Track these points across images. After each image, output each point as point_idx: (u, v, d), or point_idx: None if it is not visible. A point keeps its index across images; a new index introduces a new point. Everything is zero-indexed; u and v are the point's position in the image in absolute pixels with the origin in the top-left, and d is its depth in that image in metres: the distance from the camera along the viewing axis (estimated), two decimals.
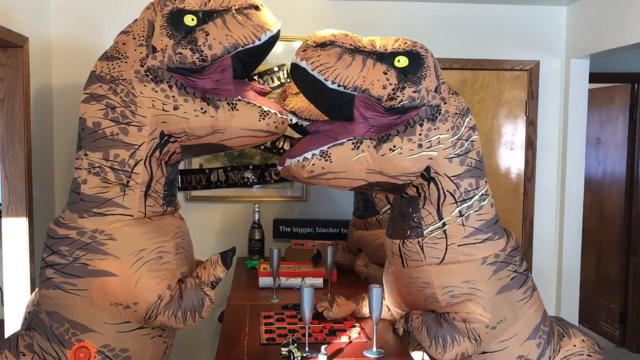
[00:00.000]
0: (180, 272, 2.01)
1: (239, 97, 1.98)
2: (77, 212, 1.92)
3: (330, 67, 1.88)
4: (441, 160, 1.94)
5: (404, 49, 1.94)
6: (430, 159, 1.93)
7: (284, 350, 1.93)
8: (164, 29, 1.92)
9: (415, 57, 1.94)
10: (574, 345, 2.12)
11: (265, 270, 2.79)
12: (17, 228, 2.92)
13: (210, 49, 1.91)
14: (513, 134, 3.63)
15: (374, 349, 1.98)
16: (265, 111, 1.98)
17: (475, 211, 1.98)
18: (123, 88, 1.90)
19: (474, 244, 1.97)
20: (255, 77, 2.44)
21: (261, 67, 2.49)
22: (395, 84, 1.89)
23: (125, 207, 1.90)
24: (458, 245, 1.96)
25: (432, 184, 1.96)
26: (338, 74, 1.87)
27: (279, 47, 3.40)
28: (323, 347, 1.92)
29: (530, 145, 3.64)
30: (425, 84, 1.93)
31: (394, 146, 1.90)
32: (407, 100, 1.89)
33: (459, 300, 1.96)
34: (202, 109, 1.93)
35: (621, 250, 4.62)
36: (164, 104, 1.90)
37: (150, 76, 1.90)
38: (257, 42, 1.95)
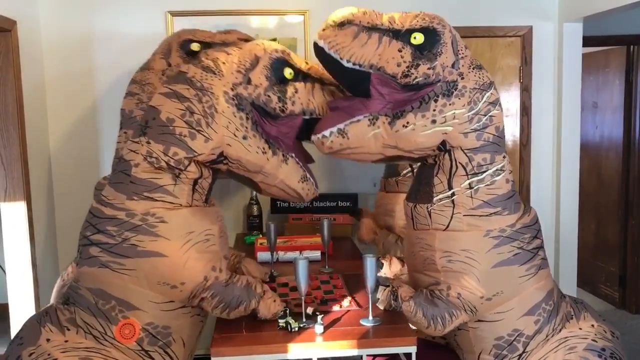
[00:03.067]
0: (224, 255, 2.09)
1: (292, 154, 2.17)
2: (125, 193, 2.00)
3: (345, 46, 1.94)
4: (456, 135, 1.96)
5: (420, 25, 1.96)
6: (445, 133, 1.95)
7: (281, 321, 1.97)
8: (265, 69, 2.10)
9: (432, 34, 1.96)
10: (580, 329, 2.09)
11: (262, 245, 2.82)
12: (16, 212, 2.95)
13: (293, 105, 2.11)
14: (507, 100, 3.62)
15: (370, 317, 2.01)
16: (306, 177, 2.22)
17: (487, 185, 1.99)
18: (208, 100, 2.04)
19: (480, 216, 1.99)
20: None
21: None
22: (409, 62, 1.93)
23: (175, 196, 2.00)
24: (464, 215, 1.99)
25: (446, 155, 1.99)
26: (353, 53, 1.94)
27: (273, 21, 3.40)
28: (319, 317, 1.95)
29: (525, 111, 3.63)
30: (441, 61, 1.95)
31: (407, 122, 1.94)
32: (422, 77, 1.92)
33: (454, 267, 1.98)
34: (263, 149, 2.10)
35: (620, 213, 4.64)
36: (236, 129, 2.05)
37: (236, 101, 2.06)
38: None
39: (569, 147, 3.60)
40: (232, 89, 2.06)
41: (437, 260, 2.00)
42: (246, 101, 2.06)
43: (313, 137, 2.08)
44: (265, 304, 2.04)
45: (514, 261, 1.99)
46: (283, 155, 2.14)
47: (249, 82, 2.07)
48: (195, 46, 2.55)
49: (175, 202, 1.99)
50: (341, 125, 1.99)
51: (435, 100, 1.93)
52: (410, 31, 1.96)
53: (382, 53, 1.94)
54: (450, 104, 1.93)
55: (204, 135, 2.01)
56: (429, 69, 1.93)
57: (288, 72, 2.13)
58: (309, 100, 2.14)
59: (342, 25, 1.95)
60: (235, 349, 1.87)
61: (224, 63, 2.11)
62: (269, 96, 2.07)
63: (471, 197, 1.98)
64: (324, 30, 1.99)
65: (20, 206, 2.94)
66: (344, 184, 3.56)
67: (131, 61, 3.08)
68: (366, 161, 2.10)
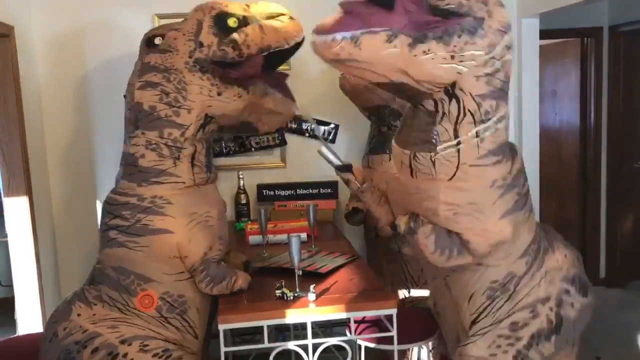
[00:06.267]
0: (219, 236, 2.39)
1: (267, 85, 2.45)
2: (135, 181, 2.29)
3: None
4: (469, 78, 1.85)
5: None
6: (459, 73, 1.83)
7: (277, 292, 2.22)
8: (211, 28, 2.30)
9: None
10: (557, 260, 2.20)
11: (252, 229, 3.06)
12: (19, 206, 3.12)
13: (248, 48, 2.29)
14: None
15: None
16: (283, 98, 2.50)
17: (492, 133, 1.92)
18: (175, 77, 2.28)
19: (486, 165, 1.93)
20: None
21: None
22: None
23: (177, 176, 2.29)
24: (469, 166, 1.92)
25: (453, 101, 1.88)
26: None
27: None
28: (312, 287, 2.20)
29: None
30: None
31: (429, 50, 1.77)
32: (455, 4, 1.79)
33: (461, 220, 1.96)
34: (239, 94, 2.37)
35: (579, 193, 4.99)
36: (209, 90, 2.30)
37: (198, 67, 2.29)
38: (286, 46, 2.38)
39: (530, 133, 3.90)
40: (190, 58, 2.29)
41: (440, 213, 1.95)
42: (206, 62, 2.29)
43: (318, 38, 1.77)
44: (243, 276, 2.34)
45: (516, 208, 2.00)
46: (258, 89, 2.41)
47: (201, 45, 2.29)
48: (232, 22, 2.31)
49: (179, 181, 2.27)
50: (357, 32, 1.72)
51: (459, 36, 1.79)
52: None
53: None
54: (471, 43, 1.80)
55: (185, 108, 2.28)
56: None
57: (232, 22, 2.30)
58: (262, 39, 2.30)
59: None
60: (239, 316, 2.12)
61: (175, 39, 2.34)
62: (223, 50, 2.27)
63: (477, 146, 1.90)
64: None
65: (23, 201, 3.11)
66: (324, 172, 3.79)
67: (120, 66, 3.25)
68: (366, 80, 1.89)
